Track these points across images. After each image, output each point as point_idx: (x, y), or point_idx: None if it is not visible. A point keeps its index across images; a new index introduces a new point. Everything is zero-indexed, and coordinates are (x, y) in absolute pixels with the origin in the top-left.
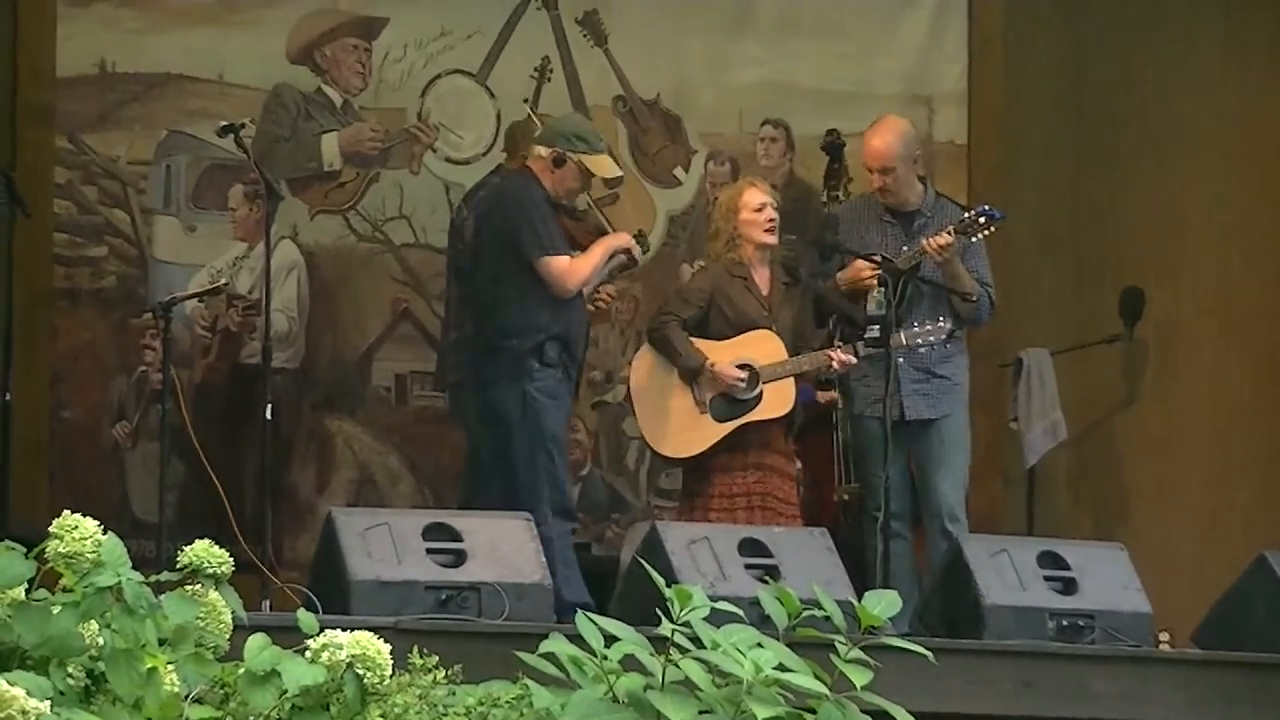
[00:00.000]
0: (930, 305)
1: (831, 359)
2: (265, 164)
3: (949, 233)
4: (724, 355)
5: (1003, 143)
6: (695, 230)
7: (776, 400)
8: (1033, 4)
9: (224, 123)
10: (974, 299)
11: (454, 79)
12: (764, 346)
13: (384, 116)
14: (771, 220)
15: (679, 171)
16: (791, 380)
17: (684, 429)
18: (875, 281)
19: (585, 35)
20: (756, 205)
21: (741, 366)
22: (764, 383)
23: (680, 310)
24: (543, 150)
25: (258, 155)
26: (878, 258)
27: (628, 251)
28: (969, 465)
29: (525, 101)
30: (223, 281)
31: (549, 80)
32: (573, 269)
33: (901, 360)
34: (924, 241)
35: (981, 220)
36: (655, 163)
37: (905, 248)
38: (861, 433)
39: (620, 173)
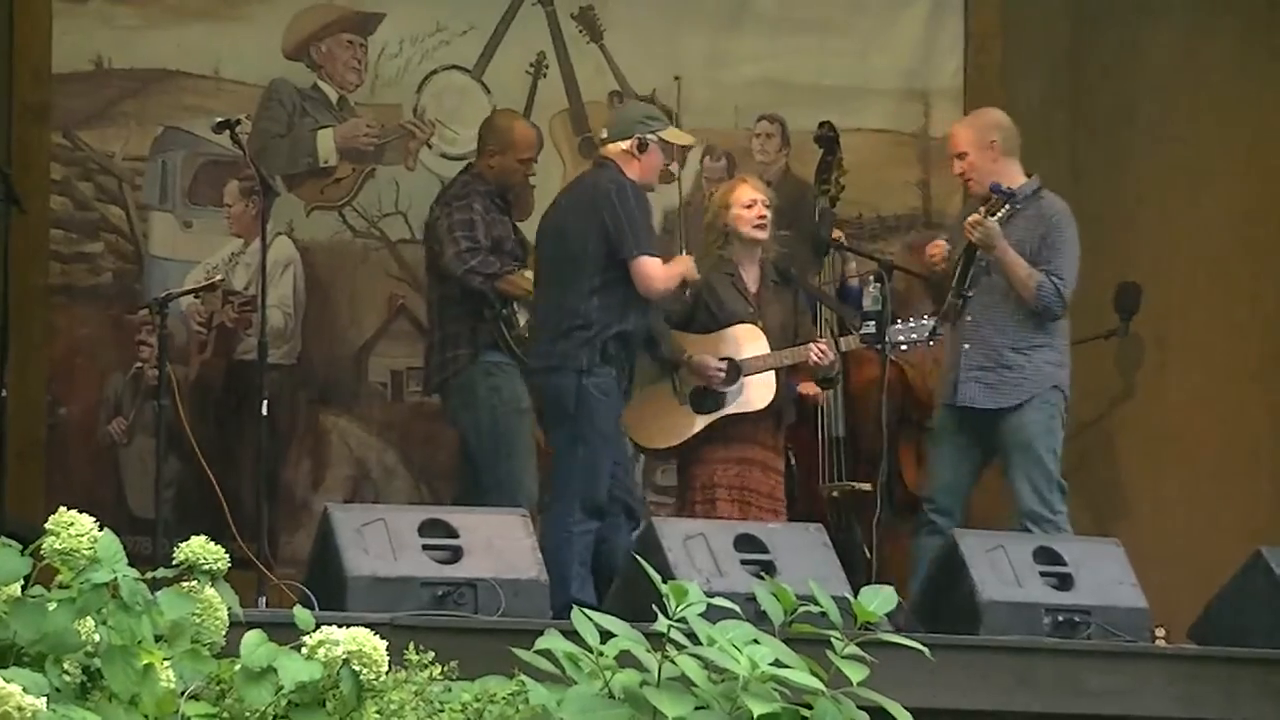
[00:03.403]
0: (1000, 291)
1: (812, 352)
2: (261, 160)
3: (979, 213)
4: (706, 348)
5: None
6: (691, 226)
7: (759, 393)
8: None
9: (219, 119)
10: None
11: (450, 75)
12: (746, 340)
13: (380, 112)
14: (762, 217)
15: (674, 167)
16: (773, 374)
17: (663, 419)
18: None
19: (581, 31)
20: (747, 201)
21: (723, 359)
22: (745, 375)
23: (666, 303)
24: (623, 143)
25: (253, 151)
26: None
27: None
28: (1056, 462)
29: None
30: (218, 278)
31: (544, 76)
32: (662, 272)
33: (967, 346)
34: (965, 223)
35: (993, 198)
36: None
37: None
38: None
39: (693, 140)
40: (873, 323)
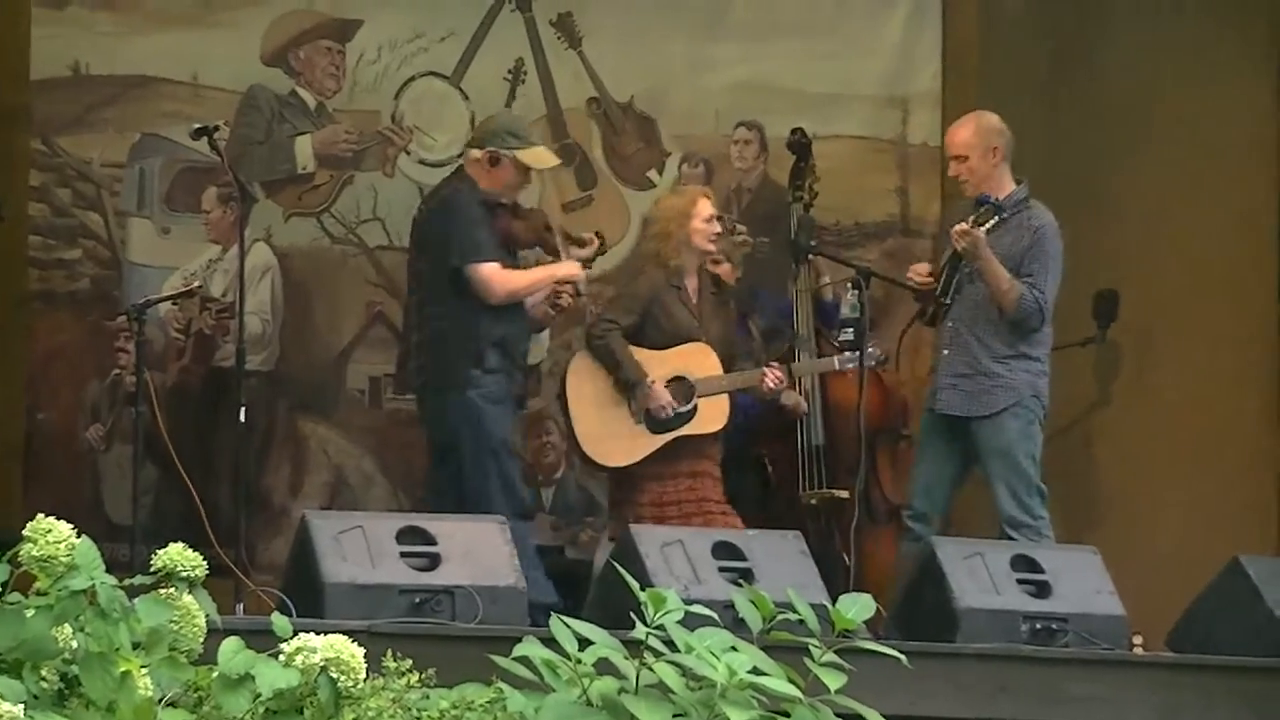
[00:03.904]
0: (982, 300)
1: (766, 377)
2: (239, 166)
3: (966, 222)
4: (660, 366)
5: None
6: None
7: (711, 415)
8: (1006, 7)
9: (198, 125)
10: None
11: (428, 81)
12: (699, 360)
13: (358, 119)
14: (718, 234)
15: (653, 174)
16: (726, 396)
17: (620, 437)
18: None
19: (559, 37)
20: (707, 215)
21: (677, 379)
22: (699, 397)
23: (621, 318)
24: (476, 152)
25: (232, 158)
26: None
27: (574, 281)
28: (1036, 468)
29: None
30: (196, 284)
31: (523, 82)
32: (501, 278)
33: (947, 353)
34: (952, 231)
35: (982, 209)
36: (629, 165)
37: None
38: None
39: (557, 162)
40: (850, 330)
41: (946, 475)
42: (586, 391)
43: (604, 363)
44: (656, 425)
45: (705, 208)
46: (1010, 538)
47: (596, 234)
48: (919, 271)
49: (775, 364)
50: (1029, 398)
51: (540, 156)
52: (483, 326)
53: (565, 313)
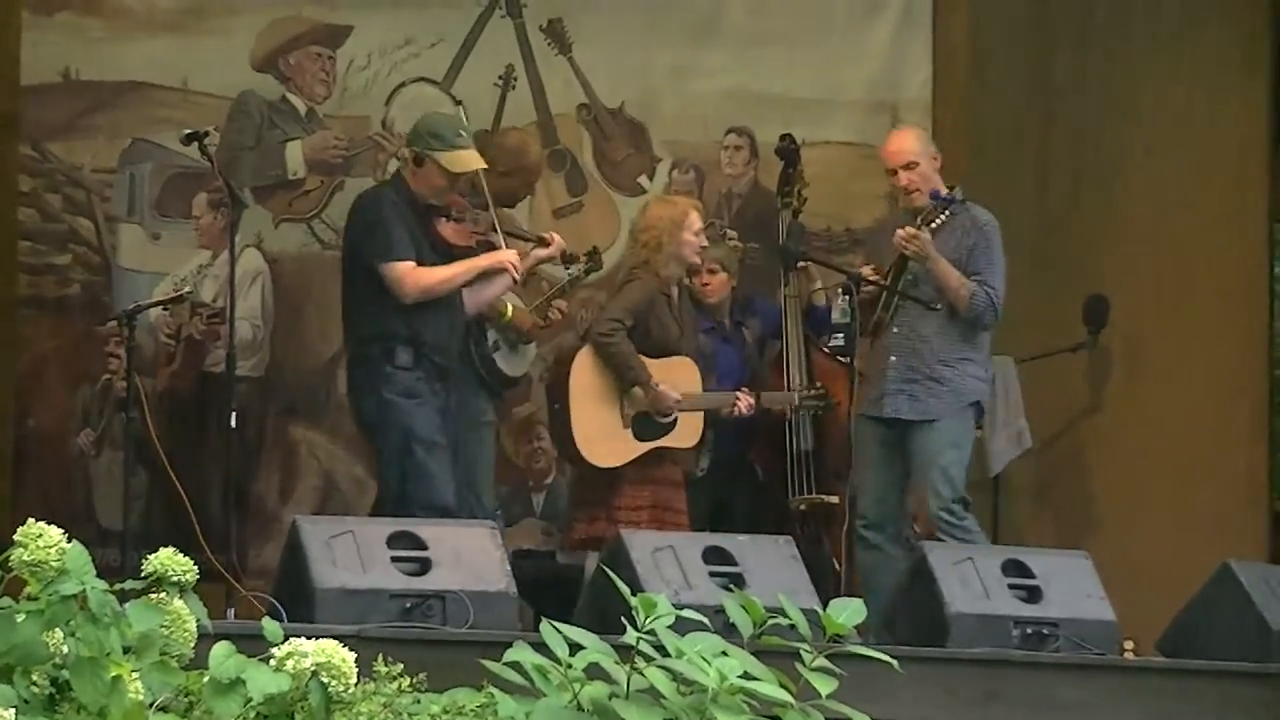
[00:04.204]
0: (921, 309)
1: (738, 400)
2: (229, 172)
3: (916, 225)
4: (653, 376)
5: (966, 151)
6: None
7: (687, 430)
8: (996, 14)
9: (188, 131)
10: (936, 307)
11: (418, 87)
12: (683, 374)
13: (348, 124)
14: (704, 247)
15: (643, 180)
16: (701, 415)
17: (611, 439)
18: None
19: (549, 43)
20: (698, 228)
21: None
22: (682, 410)
23: (625, 320)
24: (406, 152)
25: (222, 163)
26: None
27: (505, 271)
28: (963, 477)
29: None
30: (187, 289)
31: (513, 88)
32: (413, 275)
33: (894, 358)
34: (895, 235)
35: (934, 206)
36: (619, 171)
37: None
38: (854, 434)
39: (481, 166)
40: (841, 336)
41: (895, 481)
42: (586, 388)
43: (611, 362)
44: (643, 431)
45: (696, 220)
46: (938, 539)
47: (593, 249)
48: (865, 275)
49: (746, 390)
50: (972, 403)
51: (462, 160)
52: (393, 324)
53: (553, 327)
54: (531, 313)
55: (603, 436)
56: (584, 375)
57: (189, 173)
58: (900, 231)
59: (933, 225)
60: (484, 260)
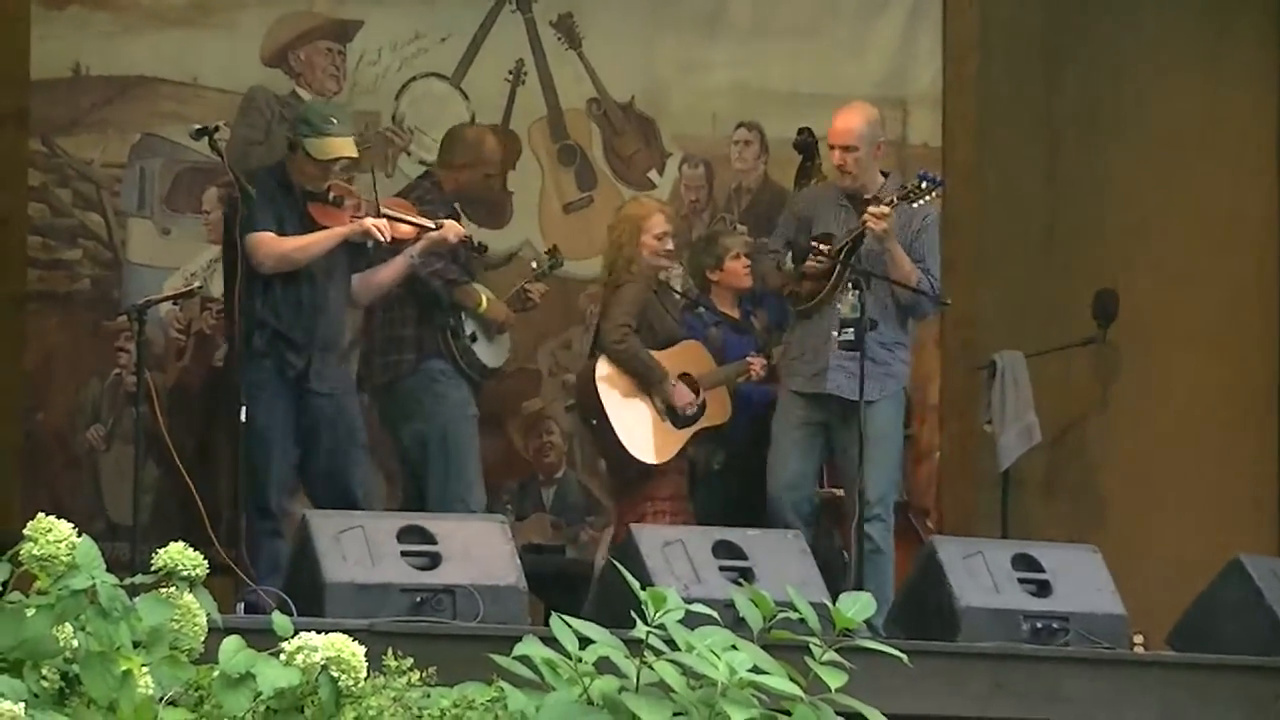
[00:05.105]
0: (873, 286)
1: (751, 365)
2: (239, 167)
3: (889, 203)
4: (665, 365)
5: (976, 145)
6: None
7: (717, 409)
8: (1006, 9)
9: (198, 126)
10: (912, 286)
11: (428, 82)
12: (694, 356)
13: (358, 119)
14: (669, 251)
15: (653, 174)
16: (725, 389)
17: (657, 434)
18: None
19: (559, 38)
20: (659, 232)
21: (681, 376)
22: (705, 390)
23: (631, 322)
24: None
25: (232, 158)
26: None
27: (369, 234)
28: (899, 466)
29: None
30: (196, 284)
31: (523, 83)
32: (271, 243)
33: (835, 333)
34: (867, 212)
35: (923, 186)
36: (630, 165)
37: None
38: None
39: (350, 153)
40: (851, 330)
41: (814, 462)
42: (617, 395)
43: (628, 366)
44: (680, 421)
45: (658, 223)
46: (869, 536)
47: (552, 247)
48: (879, 210)
49: (758, 353)
50: (903, 388)
51: (328, 147)
52: (254, 308)
53: (528, 310)
54: (507, 302)
55: (649, 435)
56: (611, 383)
57: (199, 168)
58: (875, 209)
59: (913, 205)
60: (344, 229)
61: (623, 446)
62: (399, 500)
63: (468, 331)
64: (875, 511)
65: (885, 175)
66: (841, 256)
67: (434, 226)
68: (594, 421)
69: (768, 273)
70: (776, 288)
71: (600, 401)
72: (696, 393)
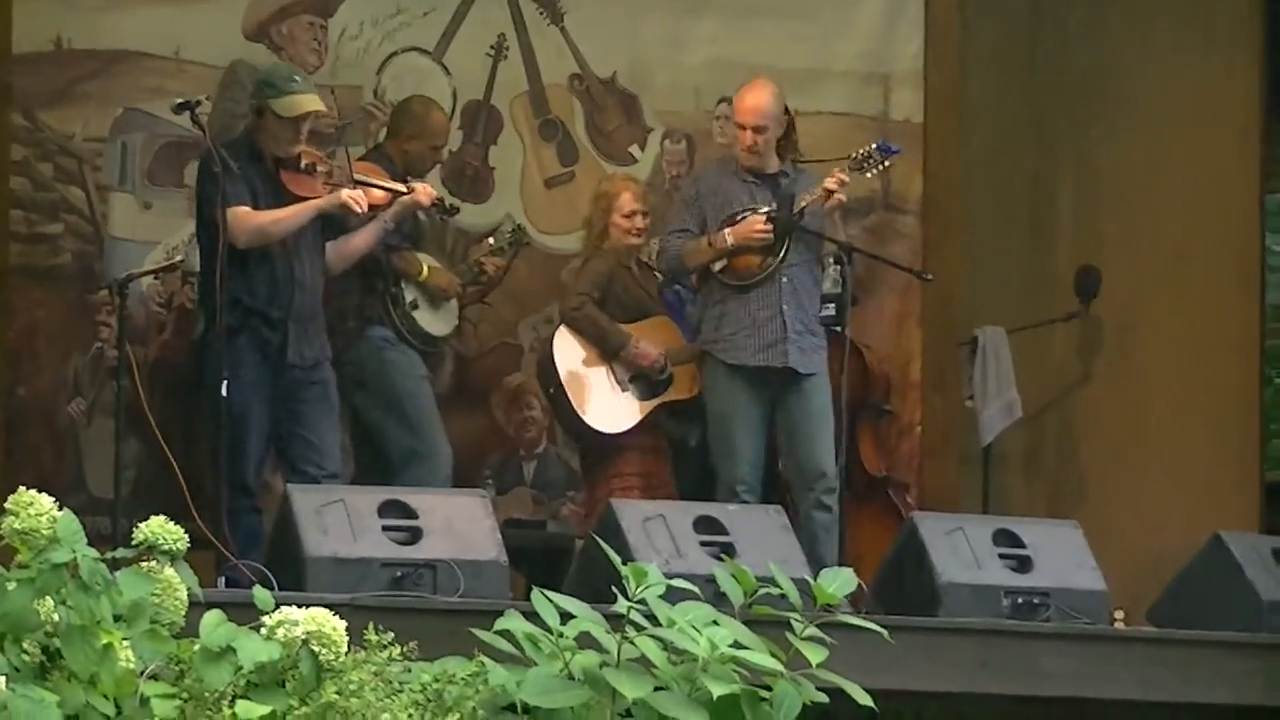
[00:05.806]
0: (808, 259)
1: None
2: (221, 141)
3: (844, 170)
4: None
5: (958, 122)
6: (652, 209)
7: (685, 383)
8: None
9: (180, 100)
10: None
11: (410, 56)
12: (664, 332)
13: (340, 94)
14: (640, 229)
15: (635, 149)
16: (694, 364)
17: (612, 405)
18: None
19: (541, 13)
20: (627, 211)
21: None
22: (672, 364)
23: (591, 293)
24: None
25: (214, 132)
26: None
27: (345, 206)
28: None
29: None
30: (178, 258)
31: (505, 58)
32: (246, 217)
33: (787, 308)
34: (827, 180)
35: (878, 154)
36: (611, 141)
37: (774, 204)
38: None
39: (318, 107)
40: (832, 306)
41: (763, 442)
42: (574, 363)
43: (586, 333)
44: (645, 390)
45: (626, 202)
46: (827, 506)
47: (516, 225)
48: (755, 225)
49: None
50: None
51: (297, 104)
52: (227, 284)
53: (491, 283)
54: (459, 274)
55: (606, 404)
56: (568, 352)
57: (181, 142)
58: (837, 177)
59: (869, 175)
60: (319, 202)
61: (578, 415)
62: (351, 471)
63: (408, 299)
64: (831, 483)
65: (779, 152)
66: (789, 227)
67: (406, 190)
68: (551, 390)
69: (688, 253)
70: (700, 265)
71: (555, 369)
72: (664, 365)
